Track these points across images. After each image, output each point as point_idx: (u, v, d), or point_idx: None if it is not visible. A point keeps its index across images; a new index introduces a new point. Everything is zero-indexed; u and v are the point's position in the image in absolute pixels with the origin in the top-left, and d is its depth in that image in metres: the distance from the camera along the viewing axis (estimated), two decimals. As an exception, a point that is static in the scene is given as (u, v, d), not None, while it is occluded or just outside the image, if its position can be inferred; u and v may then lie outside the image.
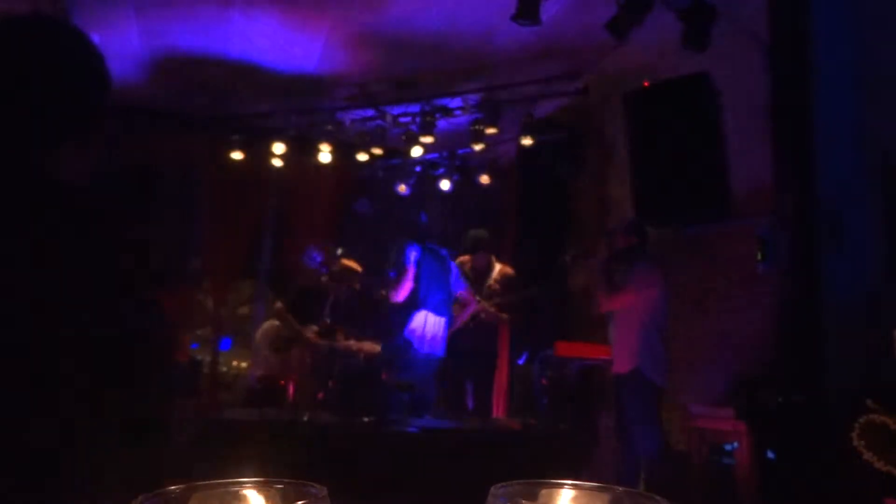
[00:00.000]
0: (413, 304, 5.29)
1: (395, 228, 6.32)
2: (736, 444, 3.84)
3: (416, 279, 5.32)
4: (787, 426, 3.56)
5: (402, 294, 5.27)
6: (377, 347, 5.58)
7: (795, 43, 3.92)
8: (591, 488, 0.44)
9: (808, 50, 3.87)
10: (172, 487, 0.41)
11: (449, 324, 5.48)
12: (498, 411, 6.23)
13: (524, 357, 5.69)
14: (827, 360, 3.61)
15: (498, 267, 5.91)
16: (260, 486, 0.42)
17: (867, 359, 3.39)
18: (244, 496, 0.41)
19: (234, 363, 7.01)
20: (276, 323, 5.68)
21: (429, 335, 5.32)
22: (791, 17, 3.99)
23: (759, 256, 4.19)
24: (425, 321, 5.32)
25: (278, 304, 5.72)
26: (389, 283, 5.29)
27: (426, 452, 4.43)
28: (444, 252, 5.61)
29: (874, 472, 1.29)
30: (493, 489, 0.42)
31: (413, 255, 5.28)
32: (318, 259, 5.77)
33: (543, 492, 0.44)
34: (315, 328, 5.67)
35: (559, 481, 0.44)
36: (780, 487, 3.46)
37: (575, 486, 0.44)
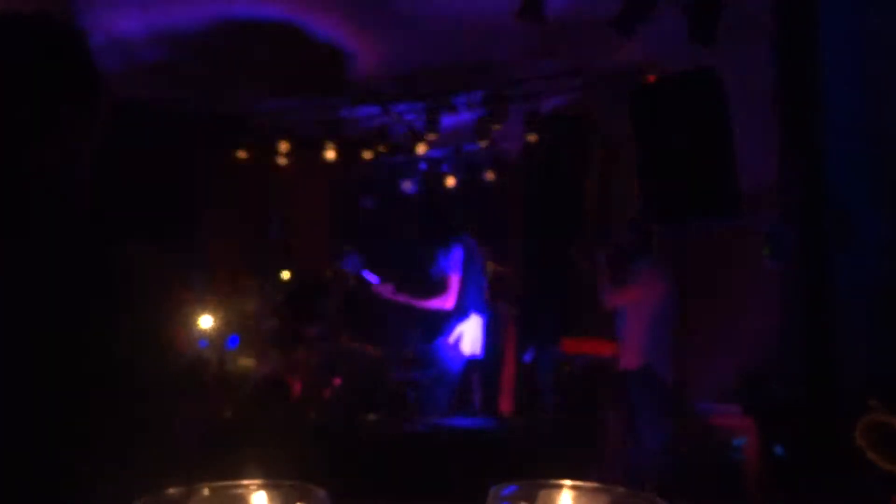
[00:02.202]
0: (462, 307, 5.04)
1: (414, 226, 6.16)
2: (744, 440, 3.83)
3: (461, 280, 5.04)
4: (795, 422, 3.54)
5: (450, 301, 4.96)
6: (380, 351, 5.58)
7: (803, 36, 3.89)
8: (590, 489, 0.43)
9: (815, 43, 3.84)
10: (171, 490, 0.41)
11: (487, 322, 5.32)
12: (504, 409, 6.22)
13: (530, 354, 5.68)
14: (835, 356, 3.59)
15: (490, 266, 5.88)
16: (259, 489, 0.42)
17: (876, 356, 3.37)
18: (243, 499, 0.41)
19: (241, 362, 7.01)
20: (279, 321, 5.70)
21: (472, 336, 5.15)
22: (798, 10, 3.95)
23: (767, 252, 4.17)
24: (472, 323, 5.13)
25: (279, 302, 5.73)
26: (431, 287, 5.02)
27: (431, 451, 4.44)
28: (473, 244, 5.37)
29: (880, 470, 1.28)
30: (492, 490, 0.42)
31: (459, 256, 4.99)
32: (358, 264, 5.63)
33: (542, 492, 0.43)
34: (316, 327, 5.67)
35: (558, 482, 0.44)
36: (788, 483, 3.45)
37: (574, 487, 0.43)
